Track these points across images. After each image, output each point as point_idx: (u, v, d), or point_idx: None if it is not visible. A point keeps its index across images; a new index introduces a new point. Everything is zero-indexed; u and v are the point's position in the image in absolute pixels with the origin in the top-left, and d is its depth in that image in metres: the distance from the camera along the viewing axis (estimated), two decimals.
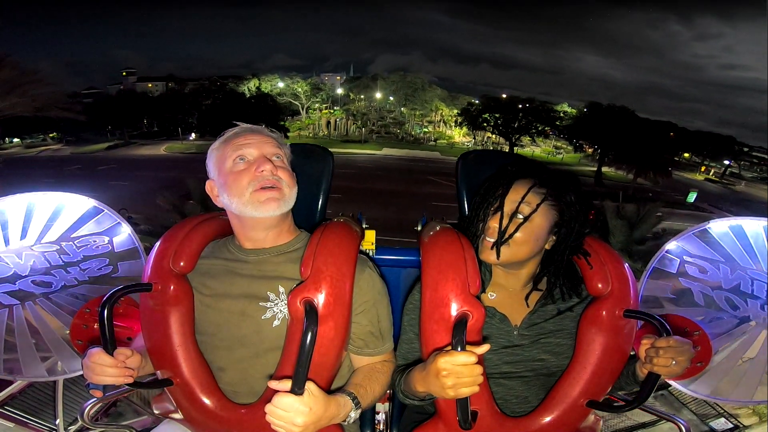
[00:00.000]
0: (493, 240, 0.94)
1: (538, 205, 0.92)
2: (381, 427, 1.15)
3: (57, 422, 1.56)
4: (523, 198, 0.92)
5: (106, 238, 1.22)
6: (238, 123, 1.02)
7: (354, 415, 0.87)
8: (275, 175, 0.94)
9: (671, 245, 1.23)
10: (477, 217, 1.00)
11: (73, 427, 1.63)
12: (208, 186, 1.00)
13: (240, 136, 0.97)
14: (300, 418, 0.74)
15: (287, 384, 0.74)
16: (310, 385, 0.76)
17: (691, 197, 22.69)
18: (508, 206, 0.94)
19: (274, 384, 0.75)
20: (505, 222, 0.93)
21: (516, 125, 34.56)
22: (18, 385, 1.40)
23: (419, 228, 1.18)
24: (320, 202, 1.21)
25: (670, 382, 1.15)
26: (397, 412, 1.23)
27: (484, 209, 0.98)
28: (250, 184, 0.92)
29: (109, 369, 0.83)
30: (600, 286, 0.94)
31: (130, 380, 0.86)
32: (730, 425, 2.57)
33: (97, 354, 0.84)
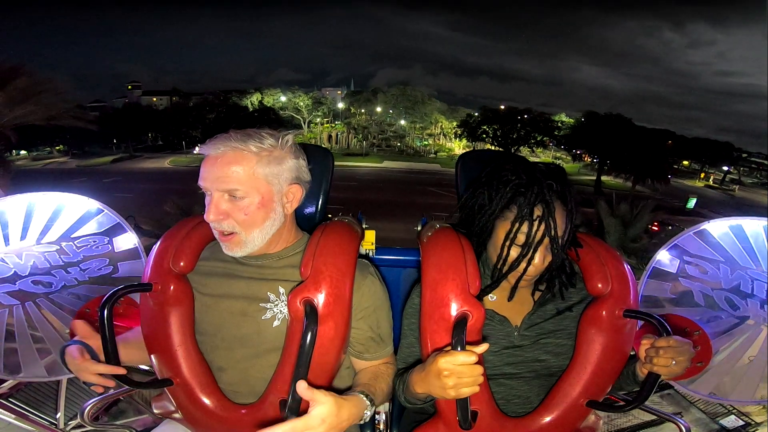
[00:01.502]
0: (536, 274, 0.93)
1: (570, 230, 0.92)
2: (381, 427, 1.14)
3: (57, 416, 1.58)
4: (565, 232, 0.91)
5: (106, 238, 1.22)
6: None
7: (369, 413, 0.84)
8: (223, 223, 0.89)
9: (671, 245, 1.22)
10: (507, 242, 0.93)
11: (73, 422, 1.63)
12: None
13: (204, 160, 0.89)
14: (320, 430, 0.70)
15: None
16: (319, 396, 0.71)
17: (691, 203, 22.35)
18: (547, 241, 0.91)
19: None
20: (549, 258, 0.92)
21: (515, 136, 34.79)
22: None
23: (419, 228, 1.18)
24: (320, 202, 1.21)
25: (671, 382, 1.14)
26: (397, 413, 1.22)
27: (528, 246, 0.91)
28: (211, 223, 0.90)
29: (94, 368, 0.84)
30: (600, 286, 0.94)
31: (111, 383, 0.86)
32: (741, 423, 2.50)
33: (79, 351, 0.85)
